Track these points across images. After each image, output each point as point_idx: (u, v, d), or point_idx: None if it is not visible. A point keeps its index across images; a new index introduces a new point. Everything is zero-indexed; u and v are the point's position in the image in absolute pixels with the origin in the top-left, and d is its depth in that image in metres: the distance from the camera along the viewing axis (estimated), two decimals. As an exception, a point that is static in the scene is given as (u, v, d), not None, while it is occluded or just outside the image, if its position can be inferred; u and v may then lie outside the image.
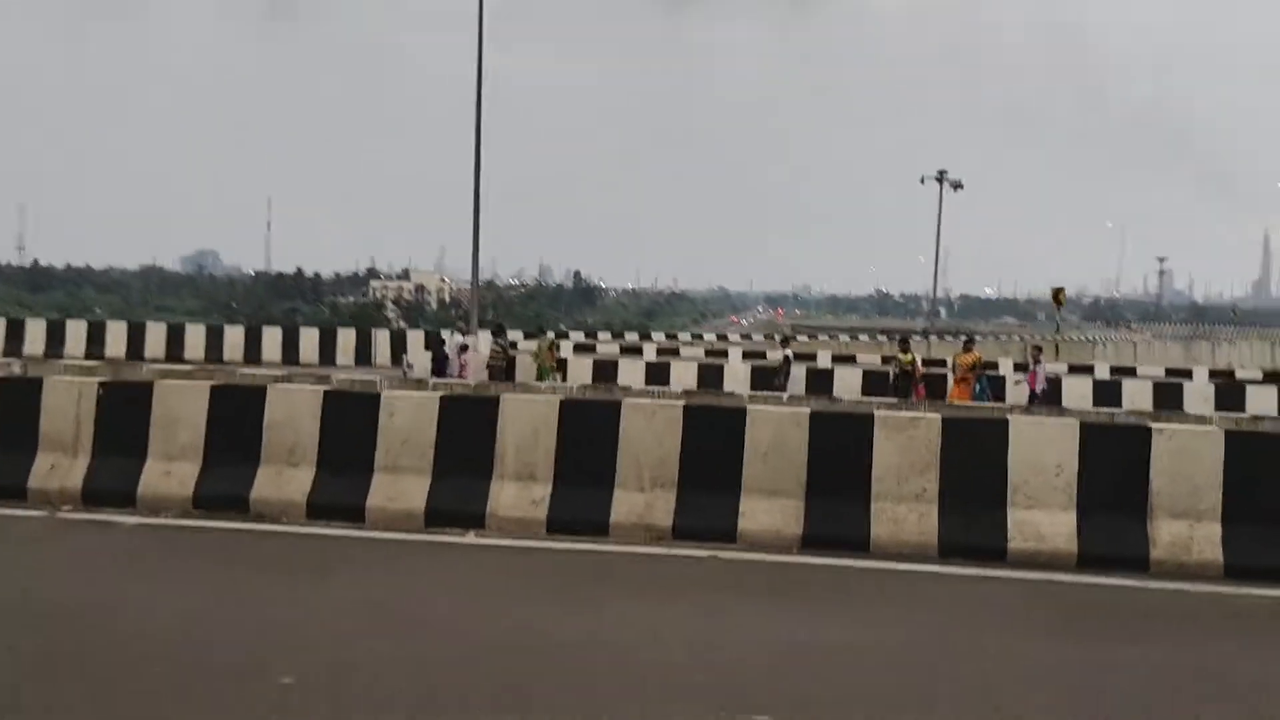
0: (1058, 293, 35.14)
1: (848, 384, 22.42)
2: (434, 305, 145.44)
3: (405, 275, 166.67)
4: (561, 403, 9.27)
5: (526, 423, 9.07)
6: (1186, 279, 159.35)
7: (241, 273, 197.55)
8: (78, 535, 8.86)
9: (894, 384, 20.60)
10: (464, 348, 21.72)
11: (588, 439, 9.00)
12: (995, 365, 24.24)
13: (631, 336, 39.33)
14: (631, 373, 21.05)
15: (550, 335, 22.05)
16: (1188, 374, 25.58)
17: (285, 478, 9.38)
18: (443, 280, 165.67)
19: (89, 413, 9.68)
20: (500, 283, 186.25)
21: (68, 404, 9.71)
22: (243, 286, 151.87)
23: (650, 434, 8.89)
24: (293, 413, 9.48)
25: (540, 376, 20.34)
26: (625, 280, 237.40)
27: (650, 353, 25.71)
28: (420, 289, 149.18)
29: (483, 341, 23.10)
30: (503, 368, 20.48)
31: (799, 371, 22.97)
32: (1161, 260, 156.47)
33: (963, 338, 28.20)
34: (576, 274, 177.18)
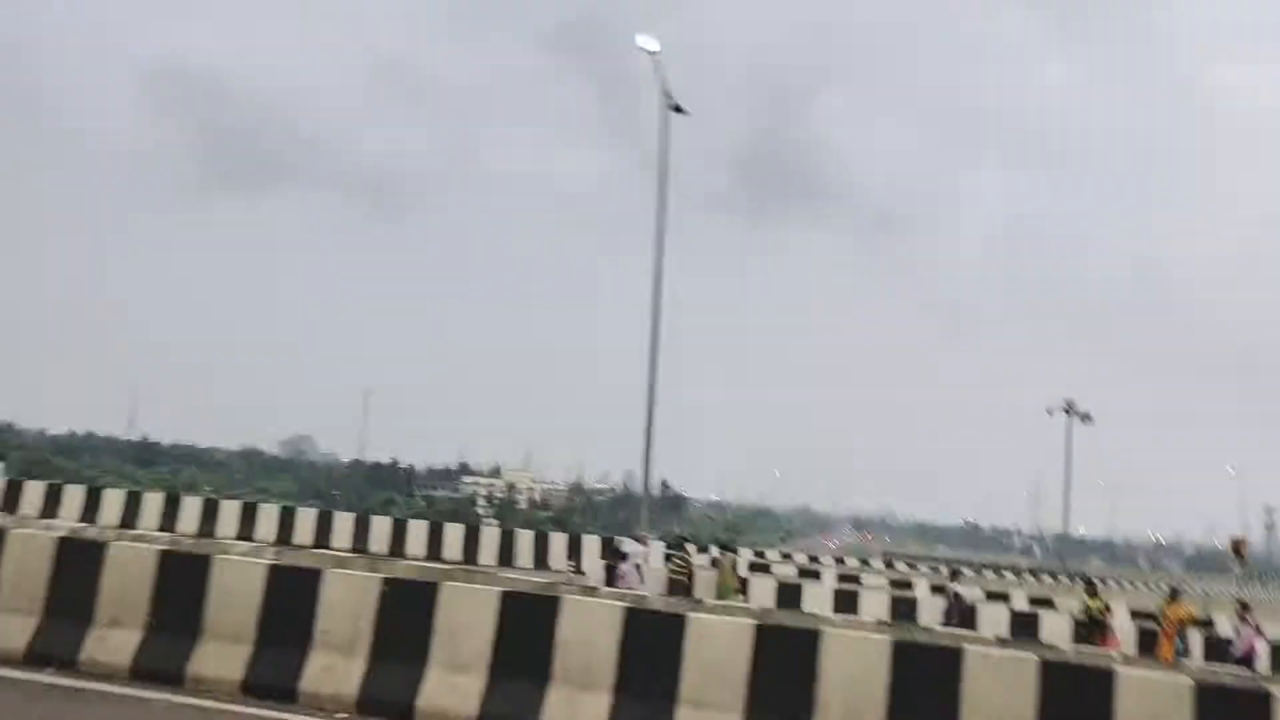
0: (1239, 544, 32.58)
1: (1050, 629, 20.93)
2: (524, 504, 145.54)
3: (496, 473, 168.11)
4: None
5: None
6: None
7: (336, 459, 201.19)
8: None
9: (1079, 631, 19.16)
10: (623, 555, 21.01)
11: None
12: (1209, 622, 22.49)
13: (800, 559, 37.84)
14: (816, 598, 20.03)
15: (733, 555, 21.27)
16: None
17: (578, 704, 8.67)
18: (532, 481, 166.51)
19: (369, 612, 9.18)
20: (587, 485, 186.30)
21: (349, 600, 9.23)
22: (339, 473, 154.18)
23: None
24: (589, 631, 8.85)
25: (721, 595, 19.49)
26: (709, 492, 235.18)
27: (830, 578, 24.59)
28: (511, 487, 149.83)
29: (652, 552, 22.38)
30: (684, 582, 19.70)
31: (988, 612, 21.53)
32: (1269, 512, 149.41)
33: (1154, 587, 26.47)
34: (664, 483, 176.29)
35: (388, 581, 9.31)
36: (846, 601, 20.18)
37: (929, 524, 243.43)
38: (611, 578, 19.85)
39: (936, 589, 25.89)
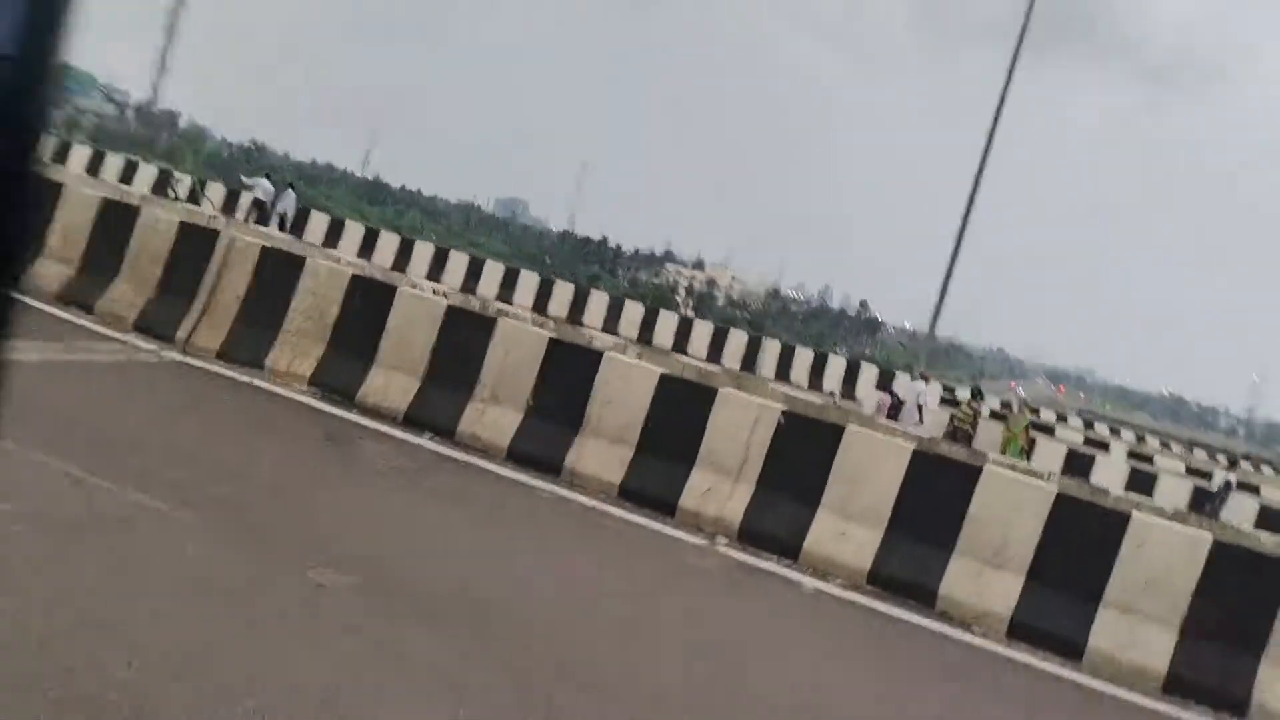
0: None
1: None
2: (721, 301, 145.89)
3: (699, 265, 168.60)
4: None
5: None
6: None
7: (546, 226, 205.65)
8: (760, 586, 7.78)
9: None
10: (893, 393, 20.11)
11: None
12: None
13: (1101, 428, 36.01)
14: (1106, 471, 18.77)
15: (1028, 415, 20.13)
16: None
17: (984, 580, 7.98)
18: (733, 278, 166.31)
19: (762, 442, 8.62)
20: (784, 292, 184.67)
21: (740, 427, 8.68)
22: (550, 241, 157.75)
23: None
24: (1008, 510, 8.04)
25: (1004, 450, 18.49)
26: (903, 318, 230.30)
27: (1120, 453, 23.18)
28: (712, 282, 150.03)
29: (930, 391, 21.38)
30: (967, 431, 18.75)
31: (1242, 503, 19.63)
32: None
33: None
34: (863, 303, 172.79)
35: (785, 414, 8.69)
36: (1142, 483, 18.83)
37: (1130, 389, 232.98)
38: (893, 413, 19.07)
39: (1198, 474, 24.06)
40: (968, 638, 7.63)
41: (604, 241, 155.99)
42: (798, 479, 8.55)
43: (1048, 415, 37.91)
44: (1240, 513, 19.43)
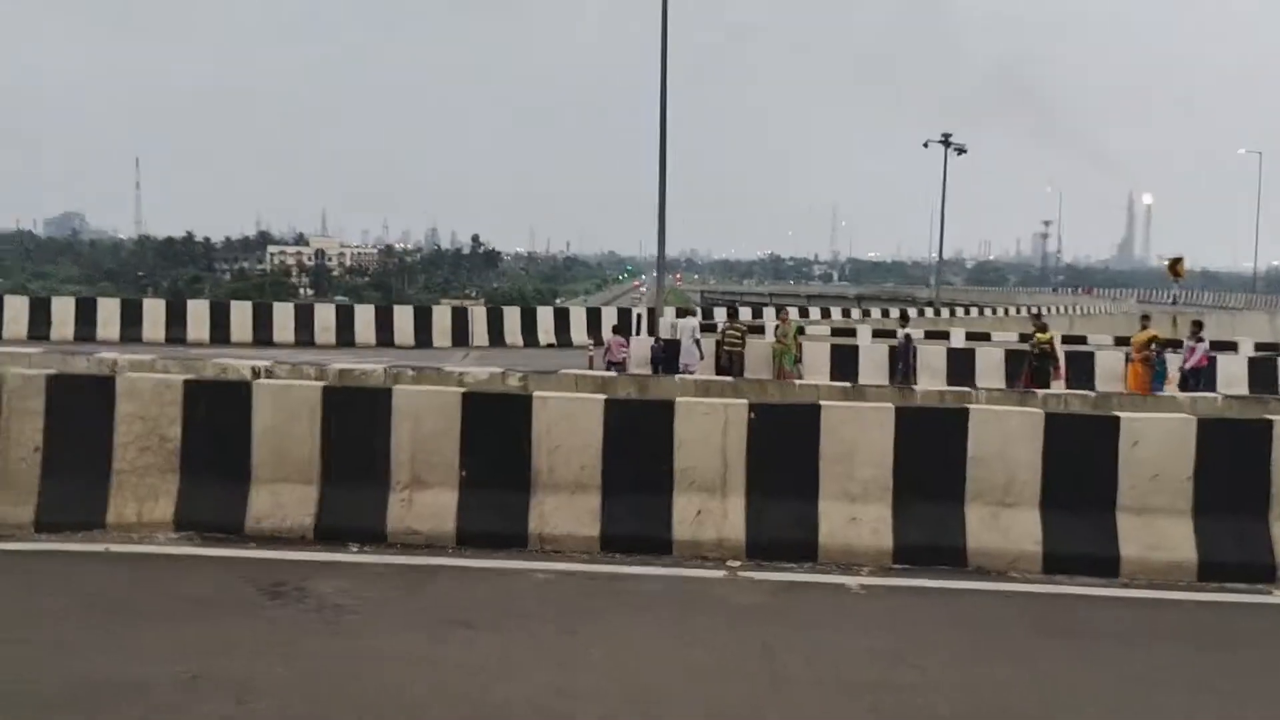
0: (1175, 263, 33.71)
1: (989, 366, 21.18)
2: (336, 271, 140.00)
3: (302, 240, 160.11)
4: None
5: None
6: (1054, 242, 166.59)
7: (112, 236, 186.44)
8: (818, 601, 7.17)
9: (1032, 366, 18.63)
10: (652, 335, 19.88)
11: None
12: (1178, 344, 23.36)
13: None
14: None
15: (794, 321, 20.36)
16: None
17: (1003, 522, 7.83)
18: (341, 246, 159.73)
19: (738, 446, 7.92)
20: (399, 247, 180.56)
21: (711, 436, 7.91)
22: (126, 251, 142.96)
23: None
24: (1003, 444, 7.90)
25: (779, 361, 18.77)
26: (516, 245, 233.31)
27: (866, 335, 24.29)
28: (320, 254, 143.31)
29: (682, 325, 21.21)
30: (739, 353, 18.81)
31: (929, 351, 21.39)
32: (1046, 224, 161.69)
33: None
34: (475, 238, 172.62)
35: (753, 407, 7.99)
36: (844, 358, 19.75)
37: (733, 259, 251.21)
38: (669, 359, 18.74)
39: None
40: (1033, 587, 7.47)
41: (189, 237, 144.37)
42: (787, 474, 7.95)
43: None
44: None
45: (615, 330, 20.90)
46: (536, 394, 8.04)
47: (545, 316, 29.73)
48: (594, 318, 30.00)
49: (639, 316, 28.41)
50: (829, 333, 26.04)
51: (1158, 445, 7.82)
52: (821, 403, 8.05)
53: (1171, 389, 17.80)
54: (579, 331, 29.41)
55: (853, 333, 26.90)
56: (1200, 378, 18.98)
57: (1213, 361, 20.38)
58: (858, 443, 7.90)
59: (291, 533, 7.78)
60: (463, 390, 8.10)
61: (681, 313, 24.48)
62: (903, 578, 7.56)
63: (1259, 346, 25.78)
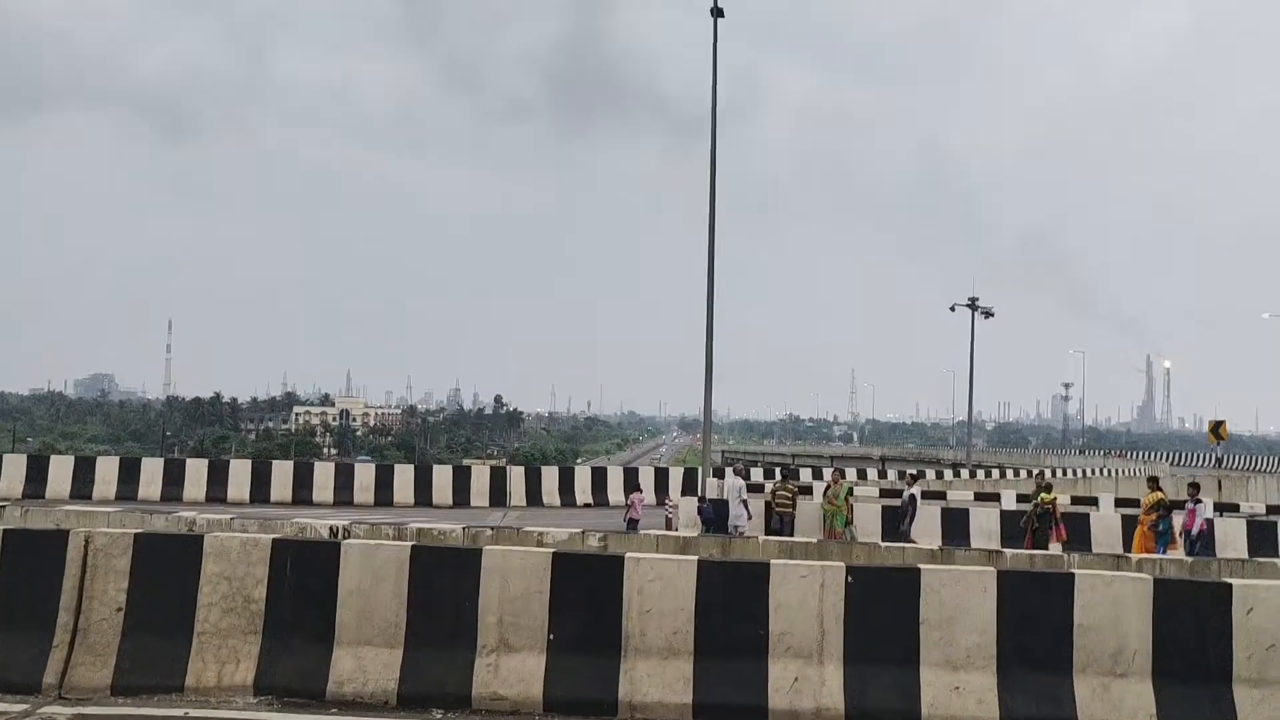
0: (1218, 425, 33.69)
1: (983, 526, 20.78)
2: (360, 431, 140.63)
3: (327, 400, 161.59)
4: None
5: None
6: (1075, 405, 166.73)
7: (141, 397, 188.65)
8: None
9: (1031, 526, 18.32)
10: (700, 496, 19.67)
11: None
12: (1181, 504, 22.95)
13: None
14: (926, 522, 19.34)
15: (847, 483, 20.14)
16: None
17: (1113, 693, 7.50)
18: (365, 406, 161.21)
19: (835, 610, 7.70)
20: (419, 407, 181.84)
21: (807, 599, 7.70)
22: (155, 411, 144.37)
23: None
24: (1113, 609, 7.64)
25: (830, 523, 18.49)
26: (537, 405, 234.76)
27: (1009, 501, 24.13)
28: (345, 414, 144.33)
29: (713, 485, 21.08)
30: (790, 513, 18.56)
31: (928, 511, 21.08)
32: (1067, 386, 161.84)
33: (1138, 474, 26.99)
34: (498, 399, 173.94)
35: (851, 570, 7.79)
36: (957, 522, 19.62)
37: (753, 420, 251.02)
38: (718, 520, 18.48)
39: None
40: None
41: (217, 398, 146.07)
42: (886, 640, 7.69)
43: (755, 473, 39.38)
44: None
45: (636, 488, 20.77)
46: (629, 554, 7.86)
47: (583, 476, 29.57)
48: (631, 477, 29.84)
49: (688, 475, 28.20)
50: (878, 494, 25.70)
51: (1275, 612, 7.55)
52: (921, 566, 7.85)
53: (1176, 552, 17.40)
54: (616, 491, 29.21)
55: (899, 494, 26.59)
56: (1204, 541, 18.60)
57: (1211, 524, 19.93)
58: (960, 607, 7.67)
59: (374, 698, 7.52)
60: (553, 551, 7.93)
61: (721, 473, 24.25)
62: (1015, 751, 7.22)
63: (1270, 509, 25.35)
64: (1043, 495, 18.51)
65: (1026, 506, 19.29)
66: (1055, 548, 17.20)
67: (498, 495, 27.27)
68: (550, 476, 28.55)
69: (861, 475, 45.63)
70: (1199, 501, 19.12)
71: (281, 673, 7.60)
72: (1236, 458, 74.80)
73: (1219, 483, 32.94)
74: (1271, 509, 26.62)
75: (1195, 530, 18.73)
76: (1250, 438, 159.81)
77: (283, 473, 26.19)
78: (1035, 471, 30.81)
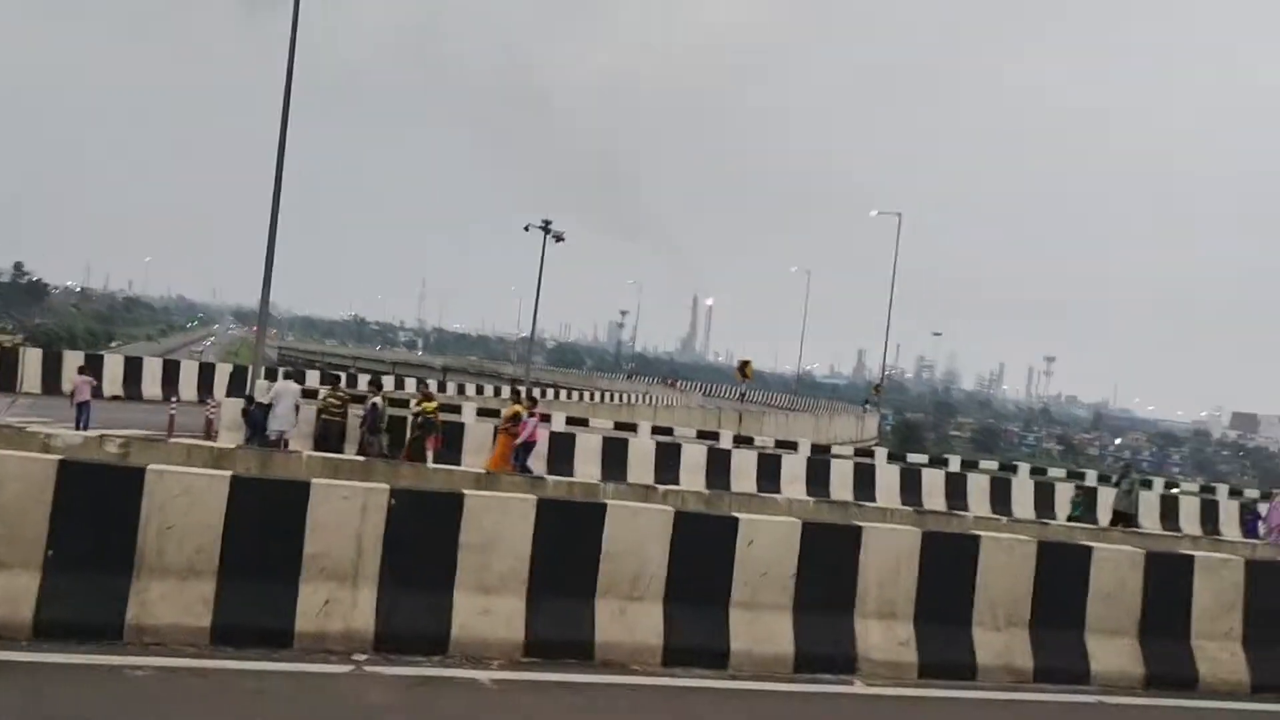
0: (745, 365, 36.72)
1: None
2: None
3: None
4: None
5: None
6: (629, 331, 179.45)
7: None
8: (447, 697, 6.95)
9: (413, 435, 18.29)
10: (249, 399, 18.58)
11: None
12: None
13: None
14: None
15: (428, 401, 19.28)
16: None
17: (629, 616, 8.08)
18: None
19: (375, 532, 7.60)
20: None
21: (350, 517, 7.54)
22: None
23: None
24: (638, 539, 8.18)
25: (411, 441, 18.01)
26: (69, 277, 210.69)
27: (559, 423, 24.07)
28: None
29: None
30: (339, 422, 17.98)
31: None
32: (623, 314, 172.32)
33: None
34: (18, 265, 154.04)
35: (395, 494, 7.68)
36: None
37: (317, 318, 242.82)
38: (259, 422, 17.53)
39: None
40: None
41: None
42: (424, 563, 7.69)
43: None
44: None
45: (81, 370, 19.53)
46: (152, 467, 7.19)
47: (114, 364, 27.03)
48: (171, 371, 27.74)
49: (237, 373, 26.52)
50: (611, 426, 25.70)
51: (771, 543, 8.43)
52: (466, 491, 7.91)
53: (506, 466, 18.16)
54: (152, 385, 27.05)
55: (459, 409, 26.76)
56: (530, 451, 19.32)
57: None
58: (499, 533, 7.82)
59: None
60: (60, 458, 7.08)
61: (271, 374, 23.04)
62: (533, 671, 7.53)
63: (815, 448, 28.85)
64: (425, 404, 18.95)
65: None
66: (429, 455, 17.70)
67: (6, 380, 24.21)
68: (73, 362, 25.70)
69: (422, 385, 45.53)
70: (533, 415, 19.64)
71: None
72: (758, 394, 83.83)
73: (740, 416, 36.70)
74: (780, 443, 29.86)
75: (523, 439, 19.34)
76: (771, 375, 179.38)
77: None
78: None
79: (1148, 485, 21.02)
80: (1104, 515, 22.14)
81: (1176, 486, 31.31)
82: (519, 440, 18.72)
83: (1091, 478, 30.01)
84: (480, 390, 47.27)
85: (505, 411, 19.53)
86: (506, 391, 37.63)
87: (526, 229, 52.58)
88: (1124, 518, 20.16)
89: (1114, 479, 23.61)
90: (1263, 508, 24.06)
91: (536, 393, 44.68)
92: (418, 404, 18.92)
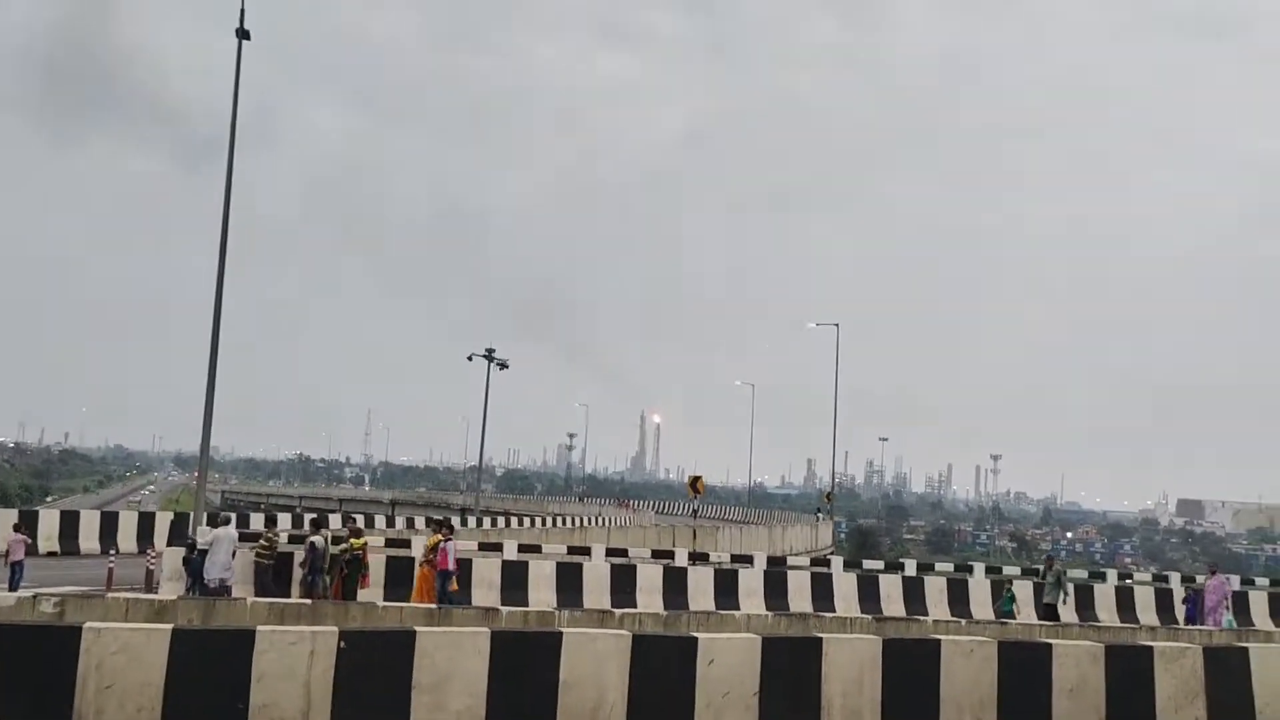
0: (695, 480, 36.57)
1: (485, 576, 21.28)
2: None
3: None
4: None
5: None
6: (578, 454, 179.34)
7: None
8: None
9: (343, 574, 17.74)
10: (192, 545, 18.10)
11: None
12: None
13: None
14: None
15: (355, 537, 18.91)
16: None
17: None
18: None
19: (324, 678, 7.37)
20: None
21: (296, 666, 7.31)
22: None
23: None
24: (596, 666, 8.02)
25: (333, 575, 17.65)
26: (1, 435, 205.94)
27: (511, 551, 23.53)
28: None
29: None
30: (270, 565, 17.51)
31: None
32: (571, 437, 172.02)
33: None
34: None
35: (345, 637, 7.47)
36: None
37: (260, 459, 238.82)
38: (200, 570, 16.99)
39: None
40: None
41: None
42: (377, 707, 7.45)
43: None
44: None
45: (15, 528, 19.07)
46: (89, 625, 6.95)
47: (49, 519, 26.25)
48: (110, 523, 26.99)
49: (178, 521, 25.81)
50: (383, 543, 25.20)
51: (732, 665, 8.30)
52: (417, 629, 7.73)
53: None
54: (90, 539, 26.27)
55: (408, 543, 26.27)
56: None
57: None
58: (452, 670, 7.63)
59: None
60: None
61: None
62: (496, 814, 7.27)
63: (770, 560, 28.66)
64: (353, 540, 18.57)
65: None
66: (363, 594, 17.37)
67: (-65, 540, 23.33)
68: (6, 520, 24.89)
69: (369, 522, 44.75)
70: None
71: None
72: (710, 508, 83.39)
73: (694, 533, 36.39)
74: (735, 558, 29.62)
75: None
76: (723, 488, 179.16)
77: None
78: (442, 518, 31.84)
79: (1058, 581, 21.21)
80: (1029, 610, 22.16)
81: (1129, 577, 31.46)
82: (440, 569, 18.34)
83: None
84: (429, 522, 46.50)
85: (427, 542, 19.08)
86: (457, 521, 37.07)
87: (470, 358, 52.63)
88: (1052, 610, 20.29)
89: (1040, 572, 23.68)
90: (1207, 583, 24.11)
91: (487, 521, 44.16)
92: (345, 541, 18.49)
